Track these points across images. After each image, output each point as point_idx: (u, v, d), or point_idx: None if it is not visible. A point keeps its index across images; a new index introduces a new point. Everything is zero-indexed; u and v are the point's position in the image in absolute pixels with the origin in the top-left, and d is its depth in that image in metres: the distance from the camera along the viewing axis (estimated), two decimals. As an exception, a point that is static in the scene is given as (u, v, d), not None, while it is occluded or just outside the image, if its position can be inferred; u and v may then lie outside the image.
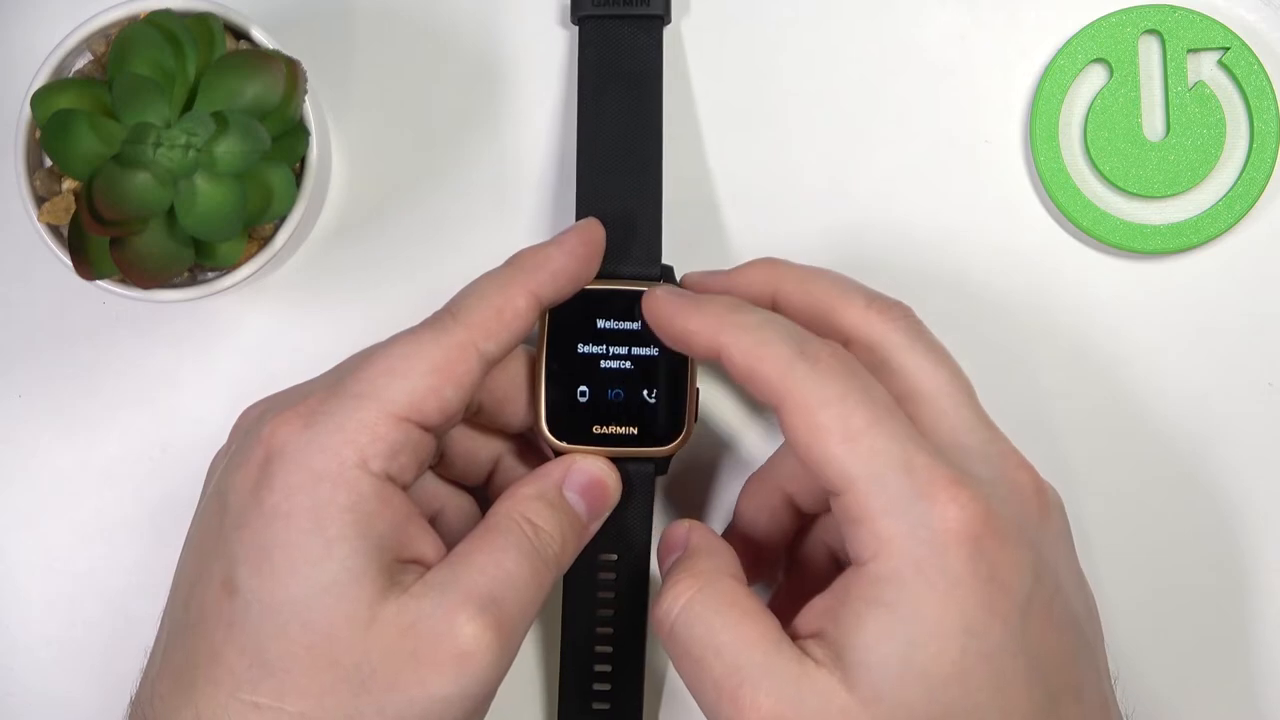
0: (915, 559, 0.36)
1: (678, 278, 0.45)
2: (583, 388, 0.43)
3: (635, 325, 0.43)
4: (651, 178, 0.45)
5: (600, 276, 0.43)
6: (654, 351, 0.43)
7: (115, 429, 0.48)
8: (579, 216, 0.44)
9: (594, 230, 0.43)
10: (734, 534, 0.45)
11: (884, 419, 0.37)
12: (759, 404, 0.42)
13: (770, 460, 0.44)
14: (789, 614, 0.39)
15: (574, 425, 0.43)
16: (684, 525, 0.42)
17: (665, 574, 0.40)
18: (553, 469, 0.42)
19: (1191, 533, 0.48)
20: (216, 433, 0.48)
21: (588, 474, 0.42)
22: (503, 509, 0.40)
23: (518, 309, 0.40)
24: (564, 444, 0.43)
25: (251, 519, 0.37)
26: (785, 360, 0.38)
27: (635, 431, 0.43)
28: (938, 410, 0.39)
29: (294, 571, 0.36)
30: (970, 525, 0.36)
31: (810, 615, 0.38)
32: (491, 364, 0.40)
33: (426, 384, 0.38)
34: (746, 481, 0.45)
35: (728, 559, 0.40)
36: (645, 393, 0.43)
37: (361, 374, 0.38)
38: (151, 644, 0.40)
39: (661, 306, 0.41)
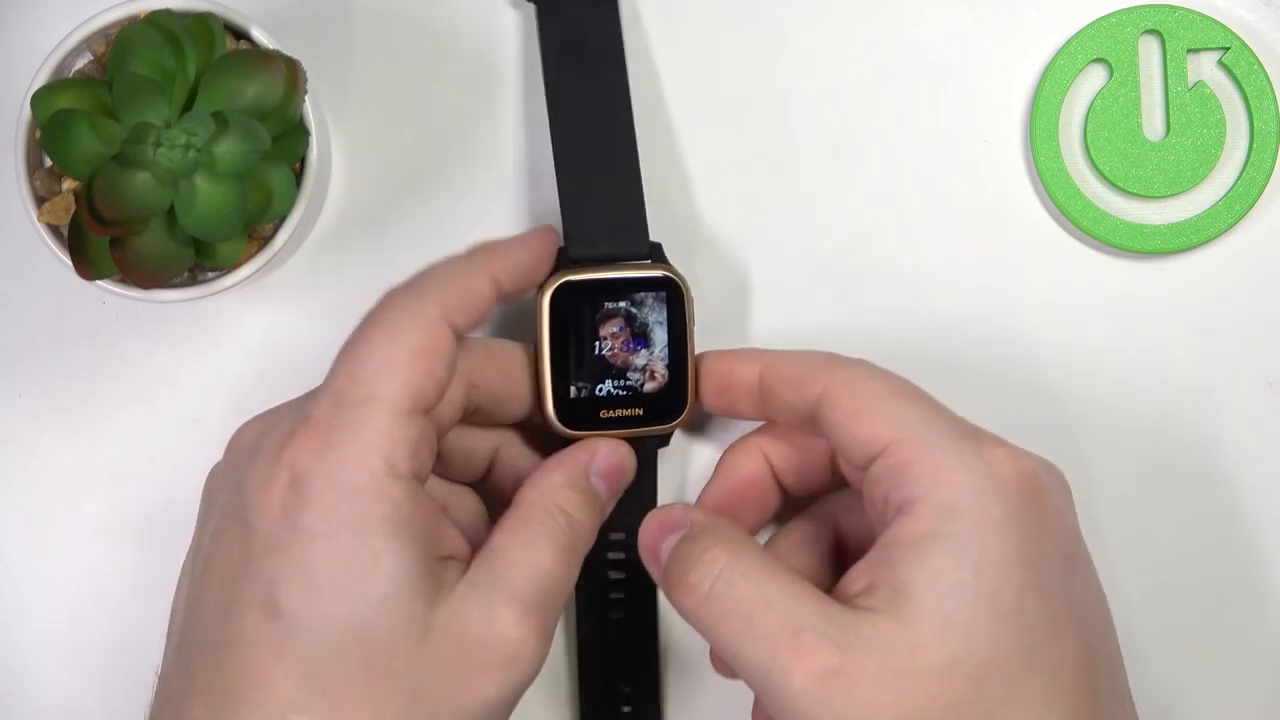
0: (974, 488, 0.37)
1: (666, 253, 0.45)
2: (587, 375, 0.44)
3: (632, 308, 0.44)
4: (629, 156, 0.45)
5: (591, 260, 0.44)
6: (654, 332, 0.44)
7: (115, 429, 0.48)
8: (562, 200, 0.45)
9: (550, 233, 0.44)
10: (710, 497, 0.45)
11: (927, 397, 0.40)
12: (799, 466, 0.44)
13: (757, 430, 0.45)
14: None
15: (582, 413, 0.44)
16: (678, 507, 0.42)
17: (674, 551, 0.40)
18: (579, 454, 0.42)
19: (1192, 532, 0.48)
20: (216, 433, 0.48)
21: (612, 459, 0.43)
22: (533, 497, 0.41)
23: (482, 290, 0.41)
24: (574, 432, 0.43)
25: (286, 542, 0.37)
26: (828, 357, 0.41)
27: (641, 412, 0.44)
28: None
29: (344, 590, 0.36)
30: (1023, 473, 0.37)
31: (854, 576, 0.38)
32: (460, 339, 0.40)
33: (419, 369, 0.38)
34: (728, 449, 0.45)
35: (744, 530, 0.41)
36: (648, 373, 0.44)
37: (357, 376, 0.38)
38: (160, 666, 0.40)
39: (711, 363, 0.44)
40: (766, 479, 0.44)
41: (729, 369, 0.43)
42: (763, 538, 0.47)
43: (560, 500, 0.41)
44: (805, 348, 0.47)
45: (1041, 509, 0.37)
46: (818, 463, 0.43)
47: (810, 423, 0.41)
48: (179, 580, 0.41)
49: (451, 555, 0.39)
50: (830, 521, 0.44)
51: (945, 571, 0.36)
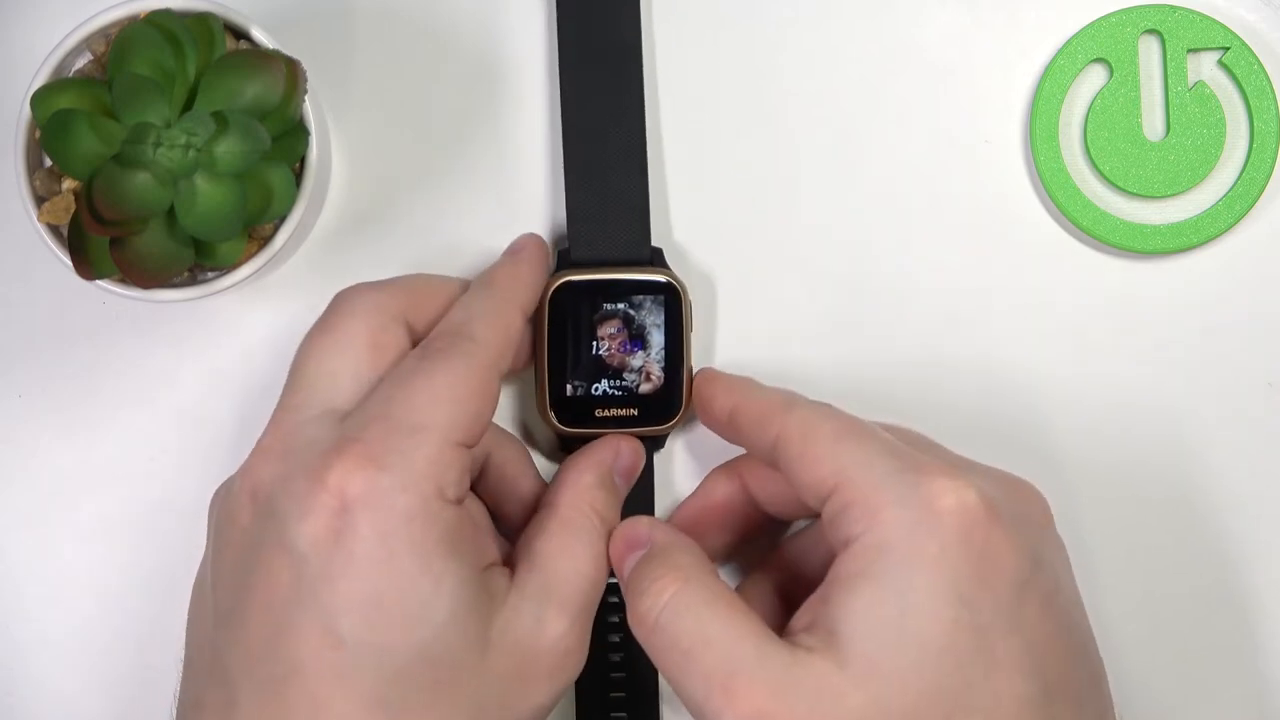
0: (907, 525, 0.36)
1: (667, 258, 0.46)
2: (583, 374, 0.45)
3: (630, 310, 0.44)
4: (638, 160, 0.46)
5: (592, 262, 0.45)
6: (651, 335, 0.44)
7: (115, 429, 0.48)
8: (568, 200, 0.45)
9: (542, 243, 0.45)
10: (684, 514, 0.46)
11: (877, 431, 0.39)
12: (774, 490, 0.45)
13: (742, 455, 0.45)
14: None
15: (577, 411, 0.45)
16: (643, 523, 0.42)
17: (633, 572, 0.40)
18: (603, 453, 0.44)
19: (1191, 533, 0.48)
20: (216, 433, 0.48)
21: (633, 458, 0.44)
22: (569, 499, 0.42)
23: (518, 326, 0.42)
24: (569, 429, 0.45)
25: (343, 569, 0.37)
26: (787, 398, 0.41)
27: (635, 413, 0.45)
28: (913, 444, 0.40)
29: (409, 614, 0.37)
30: (964, 505, 0.36)
31: (801, 613, 0.38)
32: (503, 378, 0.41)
33: (474, 409, 0.39)
34: (712, 470, 0.46)
35: (701, 555, 0.41)
36: (644, 375, 0.45)
37: (413, 406, 0.38)
38: (180, 697, 0.40)
39: (698, 384, 0.45)
40: (740, 504, 0.45)
41: (709, 396, 0.44)
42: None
43: (593, 502, 0.42)
44: (805, 347, 0.47)
45: (984, 540, 0.36)
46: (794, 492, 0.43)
47: (772, 462, 0.41)
48: (194, 607, 0.41)
49: (493, 562, 0.40)
50: (819, 547, 0.44)
51: (872, 611, 0.36)
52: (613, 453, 0.44)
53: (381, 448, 0.37)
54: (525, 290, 0.43)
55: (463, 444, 0.39)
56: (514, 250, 0.45)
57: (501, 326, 0.41)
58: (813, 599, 0.38)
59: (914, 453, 0.39)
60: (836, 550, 0.38)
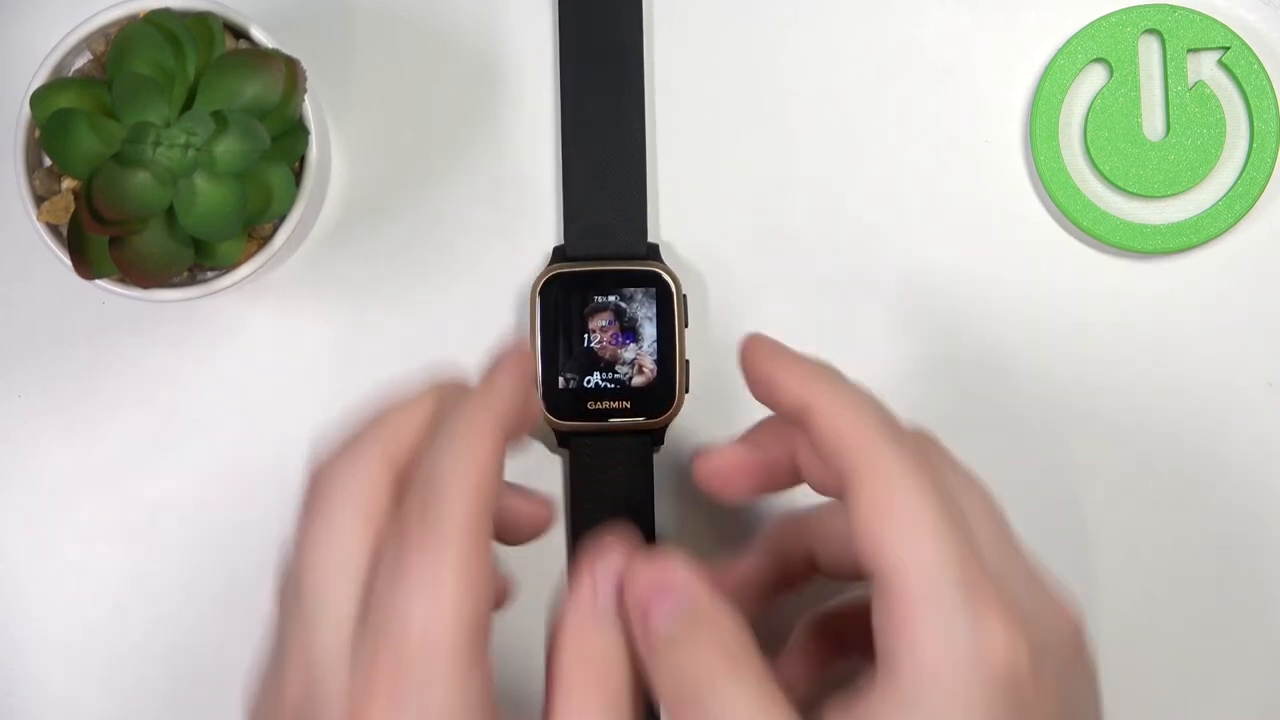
0: (954, 670, 0.34)
1: (665, 256, 0.46)
2: (575, 366, 0.45)
3: (621, 303, 0.45)
4: (636, 156, 0.46)
5: (588, 256, 0.45)
6: (643, 327, 0.45)
7: (115, 429, 0.48)
8: (565, 195, 0.46)
9: (523, 348, 0.38)
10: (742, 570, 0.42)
11: (954, 520, 0.35)
12: (824, 475, 0.38)
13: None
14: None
15: (569, 403, 0.45)
16: (680, 567, 0.36)
17: (668, 636, 0.35)
18: (584, 592, 0.37)
19: (1192, 533, 0.48)
20: (216, 433, 0.48)
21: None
22: (565, 661, 0.36)
23: (497, 460, 0.35)
24: (562, 422, 0.45)
25: None
26: (872, 430, 0.35)
27: (629, 405, 0.45)
28: (979, 537, 0.36)
29: None
30: (1013, 658, 0.34)
31: (832, 717, 0.35)
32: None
33: (474, 595, 0.34)
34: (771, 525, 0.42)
35: (744, 625, 0.36)
36: (637, 367, 0.45)
37: (410, 627, 0.34)
38: None
39: (757, 349, 0.38)
40: (800, 564, 0.41)
41: (769, 374, 0.38)
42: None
43: (587, 650, 0.36)
44: (804, 347, 0.47)
45: (1022, 699, 0.34)
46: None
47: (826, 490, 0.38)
48: None
49: None
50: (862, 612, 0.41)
51: None
52: (590, 578, 0.37)
53: (400, 688, 0.33)
54: (501, 409, 0.36)
55: (477, 637, 0.34)
56: (489, 366, 0.38)
57: (475, 475, 0.35)
58: (844, 712, 0.34)
59: (980, 572, 0.34)
60: (875, 638, 0.35)
